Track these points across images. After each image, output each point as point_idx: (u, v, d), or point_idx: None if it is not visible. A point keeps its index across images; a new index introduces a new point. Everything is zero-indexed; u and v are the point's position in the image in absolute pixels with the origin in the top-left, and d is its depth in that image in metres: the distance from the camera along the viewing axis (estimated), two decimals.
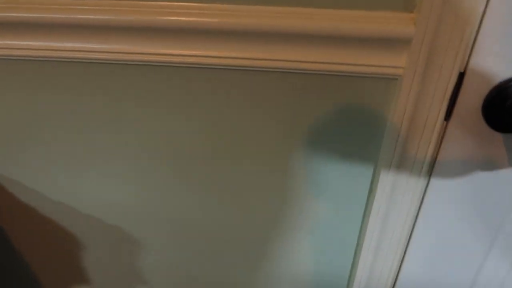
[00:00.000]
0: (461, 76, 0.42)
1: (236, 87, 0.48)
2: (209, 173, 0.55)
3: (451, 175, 0.50)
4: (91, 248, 0.67)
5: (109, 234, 0.64)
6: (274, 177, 0.55)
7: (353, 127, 0.50)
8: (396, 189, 0.53)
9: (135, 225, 0.63)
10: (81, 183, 0.59)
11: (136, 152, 0.55)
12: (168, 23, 0.44)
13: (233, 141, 0.52)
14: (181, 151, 0.54)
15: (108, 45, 0.46)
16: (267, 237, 0.61)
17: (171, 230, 0.62)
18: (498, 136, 0.46)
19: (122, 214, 0.62)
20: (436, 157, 0.49)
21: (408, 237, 0.58)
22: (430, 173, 0.51)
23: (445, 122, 0.46)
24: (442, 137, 0.48)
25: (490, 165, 0.48)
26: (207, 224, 0.61)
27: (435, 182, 0.50)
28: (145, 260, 0.67)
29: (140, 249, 0.65)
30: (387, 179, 0.52)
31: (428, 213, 0.52)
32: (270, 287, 0.66)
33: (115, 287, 0.72)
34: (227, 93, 0.49)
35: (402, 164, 0.51)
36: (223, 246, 0.63)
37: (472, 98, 0.43)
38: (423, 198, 0.51)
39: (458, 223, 0.53)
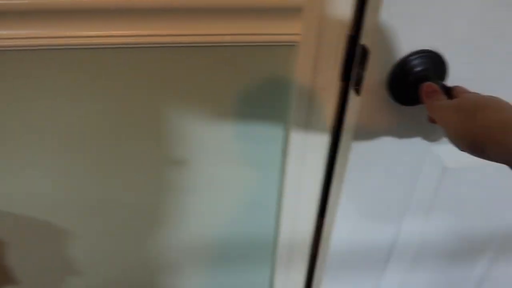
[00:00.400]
0: (365, 52, 0.44)
1: (130, 66, 0.48)
2: (117, 152, 0.55)
3: (366, 140, 0.52)
4: (16, 246, 0.63)
5: (31, 228, 0.61)
6: (185, 150, 0.56)
7: (261, 95, 0.53)
8: (307, 151, 0.57)
9: (56, 216, 0.61)
10: None
11: (41, 140, 0.53)
12: (54, 4, 0.42)
13: (139, 119, 0.52)
14: (86, 134, 0.53)
15: None
16: (187, 207, 0.62)
17: (92, 215, 0.61)
18: (404, 108, 0.48)
19: (40, 206, 0.59)
20: (341, 119, 0.53)
21: (322, 196, 0.63)
22: (337, 134, 0.55)
23: (356, 96, 0.47)
24: (345, 100, 0.52)
25: (397, 133, 0.51)
26: (128, 204, 0.61)
27: (356, 146, 0.51)
28: (74, 250, 0.65)
29: (66, 240, 0.63)
30: (297, 141, 0.56)
31: (352, 176, 0.54)
32: (198, 252, 0.68)
33: (47, 284, 0.69)
34: (122, 73, 0.48)
35: (309, 125, 0.55)
36: (147, 223, 0.64)
37: (378, 74, 0.45)
38: (346, 162, 0.52)
39: (378, 185, 0.56)
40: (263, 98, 0.53)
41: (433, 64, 0.44)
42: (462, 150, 0.37)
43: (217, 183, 0.60)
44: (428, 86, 0.41)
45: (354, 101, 0.48)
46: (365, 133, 0.50)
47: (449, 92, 0.42)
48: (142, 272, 0.70)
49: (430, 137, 0.51)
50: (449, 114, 0.37)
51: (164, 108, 0.52)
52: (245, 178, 0.60)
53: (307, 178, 0.60)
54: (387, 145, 0.51)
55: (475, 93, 0.40)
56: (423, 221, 0.58)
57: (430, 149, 0.52)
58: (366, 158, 0.52)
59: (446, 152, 0.52)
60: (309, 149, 0.57)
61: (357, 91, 0.47)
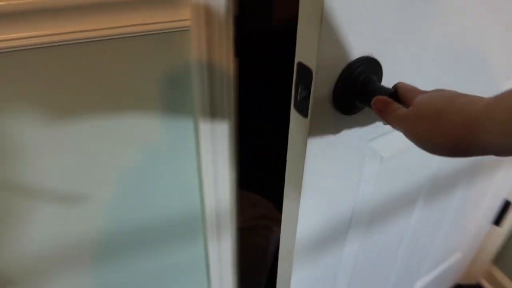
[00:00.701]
0: (308, 72, 0.41)
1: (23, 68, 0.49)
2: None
3: (315, 149, 0.51)
4: None
5: None
6: (99, 143, 0.58)
7: (165, 83, 0.56)
8: (216, 134, 0.63)
9: None
10: None
11: None
12: None
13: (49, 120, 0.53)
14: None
15: None
16: (109, 197, 0.65)
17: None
18: (347, 117, 0.48)
19: None
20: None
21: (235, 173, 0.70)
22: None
23: (304, 118, 0.45)
24: (242, 75, 0.57)
25: (342, 137, 0.51)
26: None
27: (308, 154, 0.51)
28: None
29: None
30: (205, 126, 0.61)
31: (309, 174, 0.54)
32: (134, 236, 0.70)
33: None
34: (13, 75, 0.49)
35: (213, 110, 0.60)
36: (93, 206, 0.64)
37: (323, 92, 0.43)
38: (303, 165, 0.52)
39: (333, 177, 0.57)
40: (169, 85, 0.57)
41: (371, 69, 0.44)
42: (440, 155, 0.36)
43: (140, 172, 0.63)
44: (378, 101, 0.40)
45: (299, 123, 0.46)
46: (314, 145, 0.49)
47: (396, 95, 0.41)
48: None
49: (370, 135, 0.54)
50: (413, 125, 0.37)
51: (75, 104, 0.53)
52: (165, 164, 0.64)
53: (220, 156, 0.66)
54: (335, 147, 0.52)
55: (420, 93, 0.40)
56: (371, 195, 0.65)
57: (370, 144, 0.57)
58: (319, 160, 0.52)
59: (381, 145, 0.58)
60: (218, 129, 0.63)
61: (305, 114, 0.44)
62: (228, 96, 0.61)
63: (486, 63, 0.62)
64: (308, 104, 0.42)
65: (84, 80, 0.52)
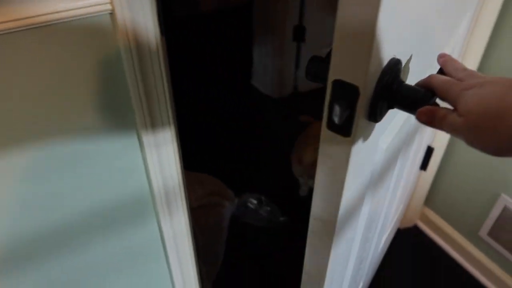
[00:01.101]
0: (355, 92, 0.40)
1: None
2: None
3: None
4: None
5: None
6: (37, 149, 0.57)
7: (95, 69, 0.56)
8: (153, 113, 0.64)
9: None
10: None
11: None
12: None
13: None
14: None
15: None
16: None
17: None
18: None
19: None
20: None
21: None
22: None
23: (346, 138, 0.44)
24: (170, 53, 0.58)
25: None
26: None
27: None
28: None
29: None
30: (142, 108, 0.62)
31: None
32: (78, 223, 0.71)
33: None
34: None
35: (148, 90, 0.61)
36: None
37: (362, 105, 0.41)
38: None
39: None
40: (99, 70, 0.57)
41: (396, 71, 0.43)
42: (493, 155, 0.36)
43: (79, 157, 0.63)
44: (423, 114, 0.39)
45: (339, 143, 0.44)
46: (353, 158, 0.47)
47: (434, 95, 0.41)
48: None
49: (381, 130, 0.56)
50: (472, 137, 0.36)
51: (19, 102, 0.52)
52: (107, 149, 0.64)
53: (161, 135, 0.68)
54: (364, 150, 0.51)
55: (460, 88, 0.38)
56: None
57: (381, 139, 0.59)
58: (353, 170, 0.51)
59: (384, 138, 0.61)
60: (155, 109, 0.64)
61: (346, 133, 0.42)
62: (161, 76, 0.62)
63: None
64: (352, 123, 0.40)
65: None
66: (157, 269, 0.89)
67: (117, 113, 0.62)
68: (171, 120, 0.69)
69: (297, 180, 1.77)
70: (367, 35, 0.36)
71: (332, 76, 0.39)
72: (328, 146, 0.45)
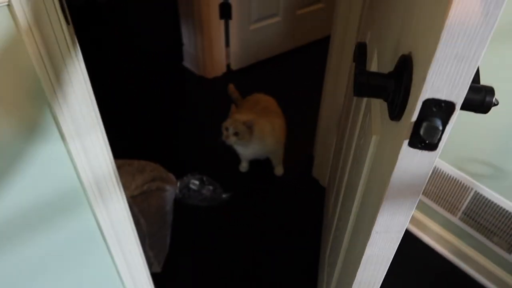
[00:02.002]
0: (451, 106, 0.39)
1: None
2: None
3: None
4: None
5: None
6: None
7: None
8: (71, 102, 0.63)
9: None
10: None
11: None
12: None
13: None
14: None
15: None
16: None
17: None
18: None
19: None
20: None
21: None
22: None
23: (432, 152, 0.43)
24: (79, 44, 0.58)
25: None
26: None
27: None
28: None
29: None
30: (57, 97, 0.61)
31: None
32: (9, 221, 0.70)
33: None
34: None
35: (60, 79, 0.60)
36: None
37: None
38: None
39: None
40: (4, 61, 0.55)
41: None
42: None
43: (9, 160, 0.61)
44: None
45: (421, 158, 0.44)
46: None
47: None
48: None
49: None
50: None
51: None
52: (25, 143, 0.63)
53: (82, 125, 0.67)
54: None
55: None
56: None
57: None
58: None
59: None
60: (71, 98, 0.63)
61: (433, 148, 0.42)
62: (75, 65, 0.62)
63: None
64: (441, 138, 0.40)
65: None
66: (99, 258, 0.89)
67: (31, 105, 0.60)
68: (92, 109, 0.69)
69: (238, 156, 1.81)
70: (473, 56, 0.35)
71: (423, 95, 0.38)
72: (407, 164, 0.44)
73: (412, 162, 0.44)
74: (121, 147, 1.77)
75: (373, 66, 0.78)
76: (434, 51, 0.35)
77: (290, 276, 1.45)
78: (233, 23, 2.26)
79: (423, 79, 0.37)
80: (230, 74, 2.48)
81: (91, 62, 2.75)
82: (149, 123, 2.13)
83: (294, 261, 1.49)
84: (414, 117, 0.40)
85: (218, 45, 2.33)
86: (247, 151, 1.70)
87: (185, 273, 1.45)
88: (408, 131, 0.41)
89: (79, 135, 0.68)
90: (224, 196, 1.67)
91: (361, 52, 0.50)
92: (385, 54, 0.61)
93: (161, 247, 1.47)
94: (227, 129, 1.59)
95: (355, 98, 1.05)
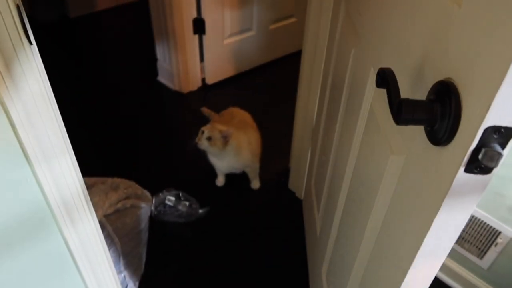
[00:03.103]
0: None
1: None
2: None
3: None
4: None
5: None
6: None
7: None
8: (31, 117, 0.62)
9: None
10: None
11: None
12: None
13: None
14: None
15: None
16: None
17: None
18: None
19: None
20: None
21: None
22: None
23: (487, 175, 0.44)
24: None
25: None
26: None
27: None
28: None
29: None
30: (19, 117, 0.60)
31: None
32: None
33: None
34: None
35: (30, 114, 0.59)
36: None
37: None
38: None
39: None
40: None
41: None
42: None
43: None
44: None
45: (476, 183, 0.44)
46: None
47: None
48: None
49: None
50: None
51: None
52: None
53: (47, 143, 0.66)
54: None
55: None
56: None
57: None
58: None
59: None
60: (41, 131, 0.62)
61: (488, 171, 0.43)
62: (40, 87, 0.61)
63: None
64: (498, 162, 0.41)
65: None
66: (69, 280, 0.87)
67: None
68: (60, 132, 0.67)
69: (214, 171, 1.80)
70: None
71: (485, 123, 0.39)
72: (460, 188, 0.45)
73: (466, 186, 0.45)
74: (95, 165, 1.74)
75: (370, 84, 0.77)
76: (496, 81, 0.36)
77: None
78: (207, 38, 2.28)
79: (484, 107, 0.38)
80: (205, 89, 2.48)
81: (63, 79, 2.72)
82: (124, 139, 2.11)
83: (273, 275, 1.49)
84: (473, 144, 0.40)
85: (193, 60, 2.34)
86: (222, 163, 1.70)
87: None
88: (462, 157, 0.42)
89: (46, 159, 0.66)
90: (200, 211, 1.66)
91: (393, 80, 0.50)
92: (398, 77, 0.57)
93: (137, 266, 1.44)
94: (202, 132, 1.59)
95: (339, 114, 1.05)
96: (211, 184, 1.83)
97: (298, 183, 1.77)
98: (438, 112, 0.45)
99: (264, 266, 1.51)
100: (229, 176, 1.85)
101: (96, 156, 1.94)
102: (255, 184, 1.82)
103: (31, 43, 0.56)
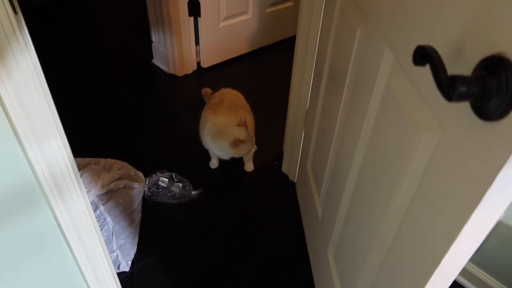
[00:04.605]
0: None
1: None
2: None
3: None
4: None
5: None
6: None
7: None
8: (21, 95, 0.62)
9: None
10: None
11: None
12: None
13: None
14: None
15: None
16: None
17: None
18: None
19: None
20: None
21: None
22: None
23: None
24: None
25: None
26: None
27: None
28: None
29: None
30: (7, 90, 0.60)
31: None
32: None
33: None
34: None
35: (19, 93, 0.59)
36: None
37: None
38: None
39: None
40: None
41: None
42: None
43: None
44: None
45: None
46: None
47: None
48: None
49: None
50: None
51: None
52: None
53: (35, 119, 0.66)
54: None
55: None
56: None
57: None
58: None
59: None
60: (31, 110, 0.62)
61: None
62: (28, 65, 0.60)
63: None
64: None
65: None
66: (60, 256, 0.87)
67: None
68: (48, 107, 0.67)
69: (208, 153, 1.81)
70: None
71: None
72: None
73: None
74: (88, 145, 1.74)
75: (386, 64, 0.76)
76: None
77: (268, 271, 1.46)
78: (202, 21, 2.26)
79: None
80: (200, 72, 2.47)
81: (58, 60, 2.71)
82: (118, 121, 2.10)
83: (265, 255, 1.50)
84: None
85: (188, 42, 2.32)
86: (228, 155, 1.71)
87: (154, 272, 1.44)
88: None
89: (37, 138, 0.66)
90: (193, 193, 1.67)
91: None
92: None
93: (129, 245, 1.45)
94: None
95: (348, 97, 1.04)
96: (205, 166, 1.84)
97: (291, 166, 1.78)
98: (493, 86, 0.45)
99: (256, 247, 1.53)
100: (222, 159, 1.85)
101: (90, 137, 1.93)
102: (249, 166, 1.83)
103: (16, 13, 0.56)
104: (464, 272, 1.38)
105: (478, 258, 1.35)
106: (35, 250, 0.81)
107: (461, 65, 0.51)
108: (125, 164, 1.56)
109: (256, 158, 1.85)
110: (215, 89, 1.90)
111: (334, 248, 1.16)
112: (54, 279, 0.90)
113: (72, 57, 2.57)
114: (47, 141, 0.70)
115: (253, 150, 1.72)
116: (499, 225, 1.23)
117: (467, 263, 1.37)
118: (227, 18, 2.36)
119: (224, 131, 1.61)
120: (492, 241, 1.27)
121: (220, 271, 1.45)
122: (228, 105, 1.70)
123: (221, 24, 2.36)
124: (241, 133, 1.60)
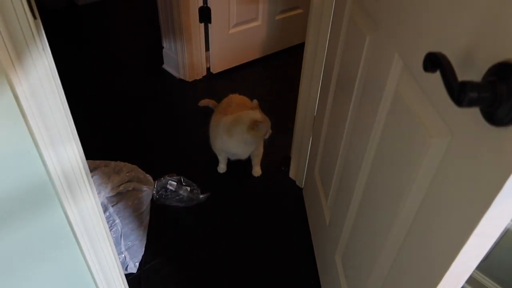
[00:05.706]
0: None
1: None
2: None
3: None
4: None
5: None
6: None
7: None
8: (38, 96, 0.64)
9: None
10: None
11: None
12: None
13: None
14: None
15: None
16: None
17: None
18: None
19: None
20: None
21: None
22: None
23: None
24: None
25: None
26: None
27: None
28: None
29: None
30: (23, 91, 0.62)
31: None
32: None
33: None
34: None
35: (36, 99, 0.61)
36: None
37: None
38: None
39: None
40: None
41: None
42: None
43: None
44: None
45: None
46: None
47: None
48: None
49: None
50: None
51: None
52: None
53: (50, 118, 0.68)
54: None
55: None
56: None
57: None
58: None
59: None
60: (48, 116, 0.64)
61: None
62: (46, 71, 0.62)
63: None
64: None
65: None
66: (71, 255, 0.89)
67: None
68: (62, 108, 0.69)
69: (216, 158, 1.82)
70: None
71: None
72: None
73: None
74: (99, 148, 1.77)
75: (395, 70, 0.77)
76: None
77: (274, 276, 1.46)
78: (212, 27, 2.29)
79: None
80: (209, 78, 2.50)
81: (71, 64, 2.75)
82: (128, 125, 2.13)
83: (272, 260, 1.51)
84: None
85: (198, 48, 2.35)
86: (247, 148, 1.73)
87: (161, 274, 1.45)
88: None
89: (48, 130, 0.68)
90: (201, 196, 1.68)
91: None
92: None
93: (137, 247, 1.46)
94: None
95: (356, 99, 1.04)
96: (213, 171, 1.85)
97: (298, 171, 1.78)
98: (503, 92, 0.45)
99: (263, 252, 1.54)
100: (230, 164, 1.86)
101: (101, 140, 1.96)
102: (257, 171, 1.84)
103: (35, 18, 0.58)
104: (470, 280, 1.37)
105: (485, 266, 1.34)
106: (47, 248, 0.83)
107: (471, 71, 0.51)
108: (135, 167, 1.58)
109: (263, 163, 1.86)
110: (224, 94, 1.92)
111: (342, 253, 1.17)
112: (65, 277, 0.92)
113: (84, 62, 2.62)
114: (61, 142, 0.72)
115: (268, 135, 1.71)
116: (507, 233, 1.22)
117: (474, 271, 1.36)
118: (237, 24, 2.39)
119: (240, 117, 1.63)
120: (499, 249, 1.26)
121: (226, 275, 1.46)
122: (237, 106, 1.73)
123: (231, 31, 2.39)
124: (256, 114, 1.63)
